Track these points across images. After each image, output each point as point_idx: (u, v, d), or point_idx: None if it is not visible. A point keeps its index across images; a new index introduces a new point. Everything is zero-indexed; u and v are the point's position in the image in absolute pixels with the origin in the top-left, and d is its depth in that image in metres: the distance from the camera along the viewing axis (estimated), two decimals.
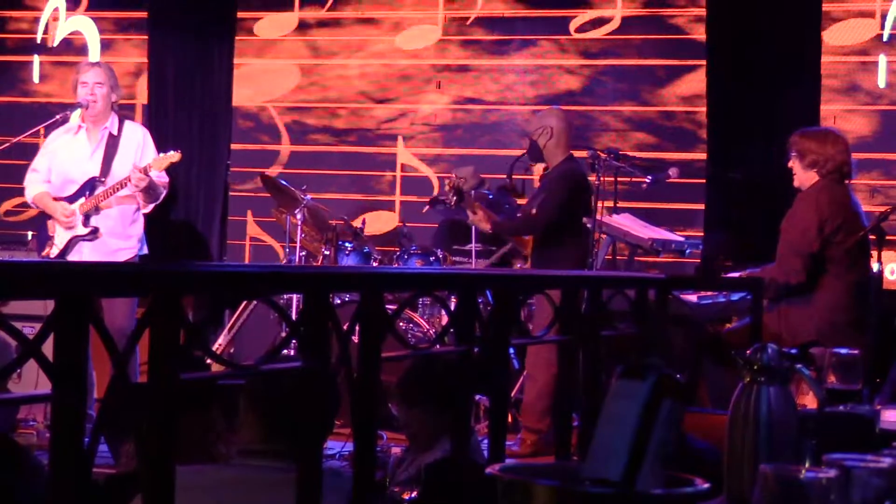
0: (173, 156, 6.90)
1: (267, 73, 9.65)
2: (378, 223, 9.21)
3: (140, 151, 6.99)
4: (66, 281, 1.93)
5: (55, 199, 6.99)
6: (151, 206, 7.05)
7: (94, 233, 6.93)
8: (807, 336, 5.55)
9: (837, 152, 6.02)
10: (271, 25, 9.62)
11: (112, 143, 7.01)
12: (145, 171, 6.80)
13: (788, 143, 6.13)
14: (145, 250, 7.17)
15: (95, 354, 1.96)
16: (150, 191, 6.89)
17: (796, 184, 6.10)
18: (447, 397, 4.17)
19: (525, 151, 7.47)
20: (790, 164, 6.11)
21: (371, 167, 9.41)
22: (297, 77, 9.58)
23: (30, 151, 7.31)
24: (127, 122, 7.17)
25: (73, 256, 6.94)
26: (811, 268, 5.88)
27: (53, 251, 6.98)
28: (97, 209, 6.94)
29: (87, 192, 6.94)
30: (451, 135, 9.22)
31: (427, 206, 8.63)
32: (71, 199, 6.97)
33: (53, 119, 7.19)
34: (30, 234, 8.35)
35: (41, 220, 7.19)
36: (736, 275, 6.37)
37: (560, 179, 7.15)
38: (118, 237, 7.00)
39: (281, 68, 9.62)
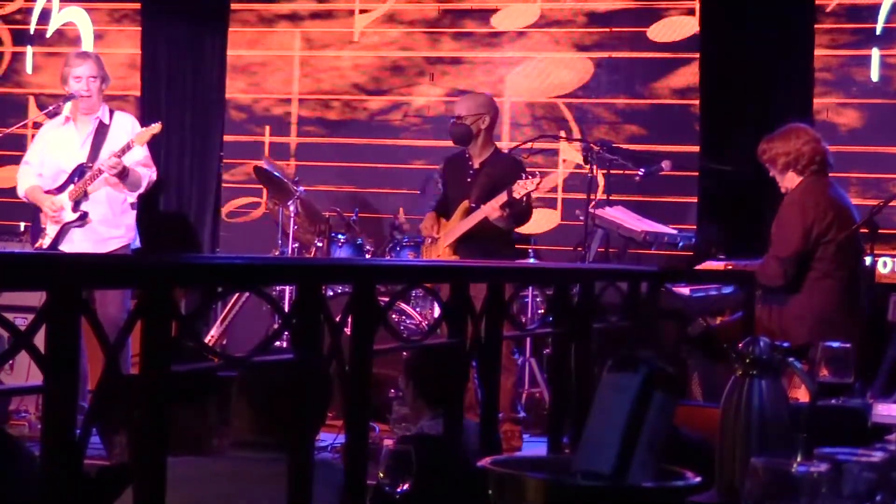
0: (154, 127, 6.92)
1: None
2: (542, 222, 8.93)
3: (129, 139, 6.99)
4: (59, 272, 1.93)
5: (47, 192, 7.00)
6: (135, 195, 7.04)
7: (84, 218, 6.93)
8: (800, 336, 5.55)
9: (804, 144, 5.96)
10: (509, 17, 9.27)
11: (101, 131, 7.02)
12: (119, 155, 6.80)
13: (758, 155, 6.08)
14: (138, 243, 7.16)
15: (89, 346, 1.95)
16: (127, 178, 6.88)
17: (783, 190, 6.05)
18: (426, 382, 4.48)
19: (453, 130, 7.26)
20: (770, 174, 6.07)
21: (365, 159, 9.41)
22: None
23: (21, 143, 7.28)
24: (117, 112, 7.18)
25: (64, 244, 6.94)
26: (791, 272, 5.86)
27: (46, 241, 6.98)
28: (86, 194, 6.94)
29: (76, 179, 6.95)
30: (444, 127, 9.21)
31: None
32: (61, 188, 6.97)
33: (46, 111, 7.18)
34: (22, 225, 8.34)
35: (35, 211, 7.17)
36: (721, 265, 6.38)
37: (522, 171, 7.17)
38: (109, 225, 6.99)
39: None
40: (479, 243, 7.04)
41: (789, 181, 5.98)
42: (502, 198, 6.90)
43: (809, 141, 5.97)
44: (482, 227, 7.05)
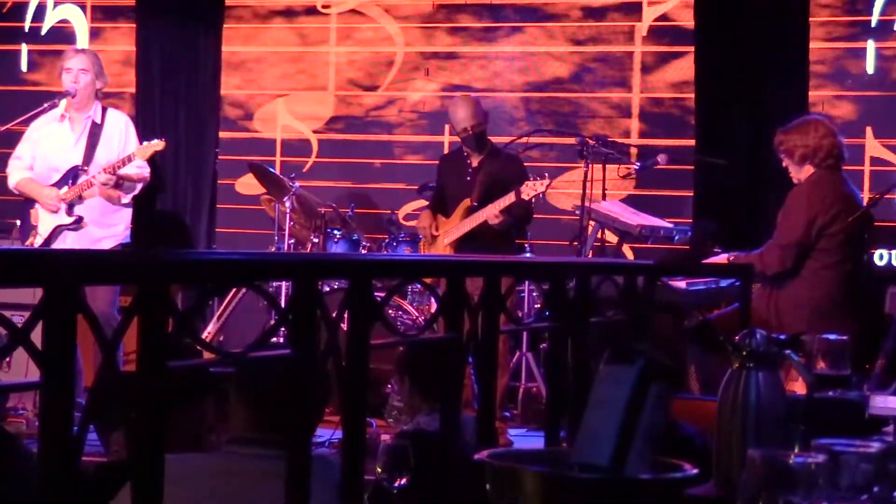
0: (157, 144, 6.83)
1: None
2: None
3: (122, 140, 6.94)
4: (56, 269, 1.92)
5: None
6: (129, 196, 6.99)
7: (79, 222, 6.88)
8: (796, 324, 5.55)
9: (822, 138, 5.95)
10: None
11: (95, 132, 6.96)
12: (113, 171, 6.75)
13: (774, 145, 6.07)
14: (128, 238, 7.10)
15: (82, 342, 1.95)
16: (122, 187, 6.84)
17: (795, 181, 6.04)
18: (422, 377, 4.48)
19: (470, 139, 7.27)
20: (784, 164, 6.05)
21: (361, 154, 9.41)
22: None
23: (17, 140, 7.25)
24: (110, 110, 7.12)
25: (57, 244, 6.88)
26: (790, 261, 5.86)
27: (38, 240, 6.91)
28: (80, 198, 6.88)
29: (70, 181, 6.89)
30: (439, 122, 9.20)
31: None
32: (55, 187, 6.92)
33: (41, 108, 7.13)
34: (18, 222, 8.30)
35: (25, 209, 7.12)
36: (721, 258, 6.37)
37: (522, 168, 7.20)
38: (101, 226, 6.95)
39: None
40: (481, 242, 7.05)
41: (804, 173, 5.97)
42: (505, 200, 6.91)
43: (828, 135, 5.95)
44: (484, 226, 7.08)
